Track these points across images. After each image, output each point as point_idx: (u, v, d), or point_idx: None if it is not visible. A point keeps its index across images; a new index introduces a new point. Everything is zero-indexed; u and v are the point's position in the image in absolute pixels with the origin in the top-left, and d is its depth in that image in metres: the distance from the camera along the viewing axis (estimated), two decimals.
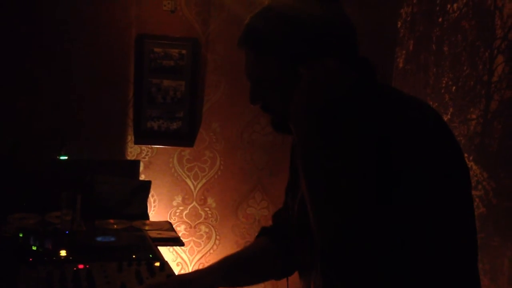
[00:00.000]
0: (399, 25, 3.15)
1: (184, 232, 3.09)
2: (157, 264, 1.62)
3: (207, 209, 3.12)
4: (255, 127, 3.11)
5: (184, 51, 2.95)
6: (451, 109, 2.53)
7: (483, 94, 2.29)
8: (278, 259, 1.37)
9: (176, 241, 2.49)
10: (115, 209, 2.60)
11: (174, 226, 2.79)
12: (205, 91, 3.04)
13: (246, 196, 3.16)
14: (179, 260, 3.11)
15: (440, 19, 2.71)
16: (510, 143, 2.12)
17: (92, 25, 2.86)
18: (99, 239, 1.90)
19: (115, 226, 2.40)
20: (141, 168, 2.97)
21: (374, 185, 0.99)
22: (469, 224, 1.03)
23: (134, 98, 2.95)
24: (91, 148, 2.85)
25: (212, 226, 3.14)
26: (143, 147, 3.00)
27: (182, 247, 3.04)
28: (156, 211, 3.03)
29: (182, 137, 3.02)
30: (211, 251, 3.14)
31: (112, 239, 1.91)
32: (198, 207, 3.10)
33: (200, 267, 3.04)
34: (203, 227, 3.13)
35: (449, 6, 2.63)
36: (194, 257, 3.13)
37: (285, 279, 1.40)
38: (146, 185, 2.83)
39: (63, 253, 1.69)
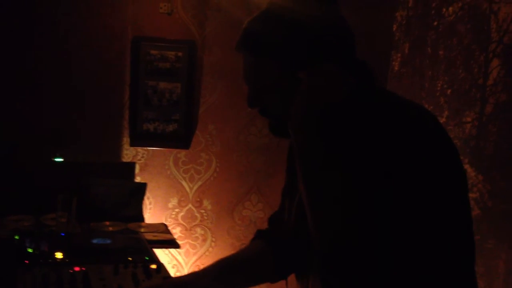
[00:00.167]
0: (394, 29, 3.16)
1: (180, 234, 3.09)
2: (154, 266, 1.62)
3: (202, 211, 3.12)
4: (251, 129, 3.11)
5: (180, 54, 2.95)
6: (446, 112, 2.54)
7: (478, 97, 2.30)
8: (273, 262, 1.37)
9: (171, 243, 2.49)
10: (110, 211, 2.60)
11: (169, 228, 2.79)
12: (201, 93, 3.04)
13: (242, 198, 3.16)
14: (175, 262, 3.10)
15: (435, 23, 2.72)
16: (505, 146, 2.13)
17: (88, 27, 2.85)
18: (95, 241, 1.90)
19: (111, 228, 2.40)
20: (136, 170, 2.97)
21: (373, 188, 0.99)
22: (467, 226, 1.04)
23: (130, 100, 2.94)
24: (86, 150, 2.84)
25: (208, 228, 3.13)
26: (139, 149, 2.99)
27: (178, 249, 3.04)
28: (151, 213, 3.02)
29: (178, 139, 3.01)
30: (207, 253, 3.14)
31: (108, 241, 1.91)
32: (194, 209, 3.10)
33: (196, 269, 3.02)
34: (198, 229, 3.12)
35: (444, 9, 2.65)
36: (189, 260, 3.12)
37: (279, 282, 1.40)
38: (142, 187, 2.83)
39: (59, 255, 1.69)
